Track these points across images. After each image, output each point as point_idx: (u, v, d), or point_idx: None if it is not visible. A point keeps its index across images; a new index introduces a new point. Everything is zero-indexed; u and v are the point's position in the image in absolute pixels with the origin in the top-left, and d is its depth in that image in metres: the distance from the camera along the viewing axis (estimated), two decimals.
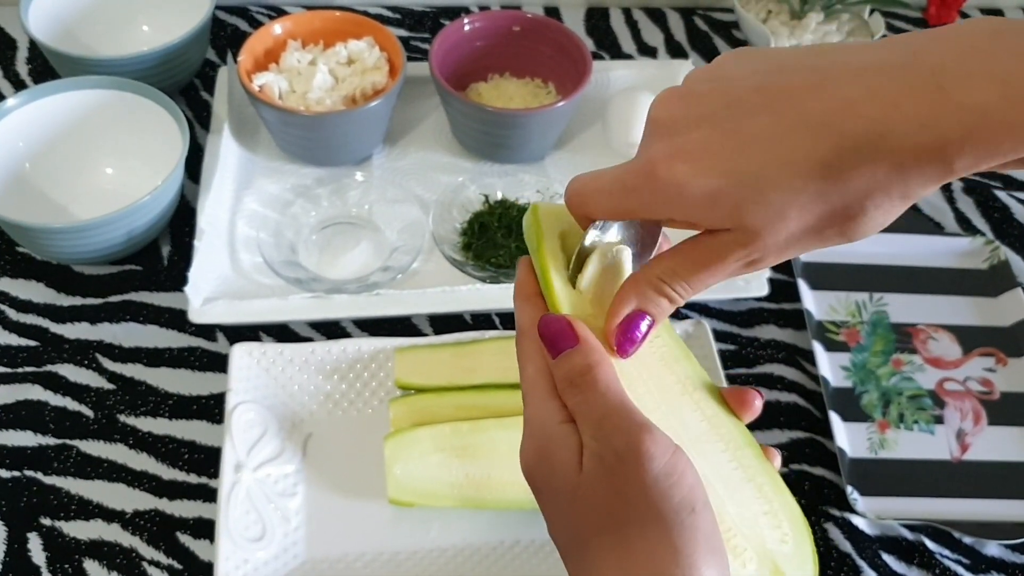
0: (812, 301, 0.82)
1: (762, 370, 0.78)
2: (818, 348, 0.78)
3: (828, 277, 0.84)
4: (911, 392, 0.78)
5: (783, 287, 0.82)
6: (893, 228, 0.86)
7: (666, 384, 0.41)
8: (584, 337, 0.38)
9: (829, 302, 0.83)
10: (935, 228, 0.89)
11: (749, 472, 0.40)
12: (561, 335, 0.39)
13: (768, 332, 0.80)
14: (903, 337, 0.81)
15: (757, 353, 0.79)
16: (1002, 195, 0.93)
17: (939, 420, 0.76)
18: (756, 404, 0.43)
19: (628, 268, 0.41)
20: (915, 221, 0.88)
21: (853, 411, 0.76)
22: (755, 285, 0.78)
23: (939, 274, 0.86)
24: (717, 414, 0.41)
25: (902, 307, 0.83)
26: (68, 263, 0.79)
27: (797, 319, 0.81)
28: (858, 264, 0.85)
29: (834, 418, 0.73)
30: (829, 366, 0.78)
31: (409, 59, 0.86)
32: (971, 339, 0.82)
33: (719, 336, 0.79)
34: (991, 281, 0.85)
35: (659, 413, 0.39)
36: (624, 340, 0.39)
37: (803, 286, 0.82)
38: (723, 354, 0.77)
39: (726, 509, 0.39)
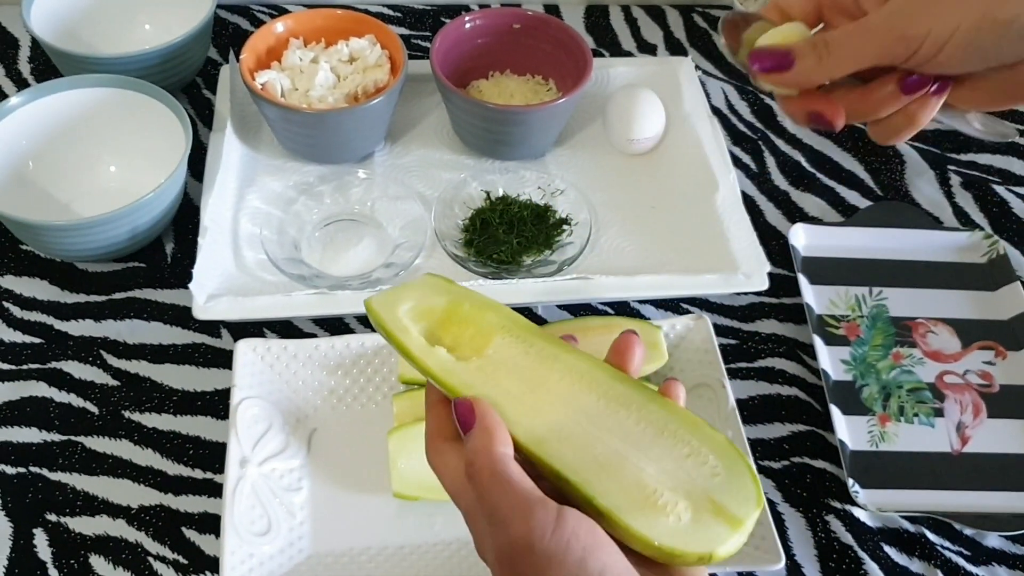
0: (812, 295, 0.82)
1: (763, 364, 0.78)
2: (818, 342, 0.78)
3: (828, 271, 0.85)
4: (911, 385, 0.78)
5: (783, 281, 0.83)
6: (893, 223, 0.87)
7: (551, 383, 0.43)
8: (479, 416, 0.41)
9: (829, 296, 0.83)
10: (934, 223, 0.90)
11: (659, 424, 0.41)
12: (463, 418, 0.42)
13: (769, 326, 0.81)
14: (903, 331, 0.82)
15: (758, 347, 0.79)
16: (1000, 190, 0.93)
17: (939, 413, 0.77)
18: (633, 344, 0.45)
19: None
20: (914, 216, 0.89)
21: (854, 404, 0.76)
22: (756, 279, 0.78)
23: (938, 268, 0.86)
24: (611, 386, 0.43)
25: (902, 301, 0.84)
26: (72, 260, 0.79)
27: (797, 313, 0.81)
28: (857, 259, 0.86)
29: (835, 411, 0.74)
30: (829, 360, 0.78)
31: (410, 57, 0.86)
32: (970, 333, 0.82)
33: (720, 331, 0.79)
34: (990, 275, 0.86)
35: (554, 414, 0.42)
36: None
37: (803, 281, 0.82)
38: (724, 348, 0.78)
39: (645, 472, 0.40)
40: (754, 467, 0.40)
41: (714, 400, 0.71)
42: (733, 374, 0.77)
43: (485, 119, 0.84)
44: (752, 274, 0.79)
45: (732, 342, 0.80)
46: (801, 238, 0.86)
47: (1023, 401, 0.78)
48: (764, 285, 0.79)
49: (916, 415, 0.76)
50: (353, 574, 0.63)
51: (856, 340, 0.80)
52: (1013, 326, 0.82)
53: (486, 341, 0.45)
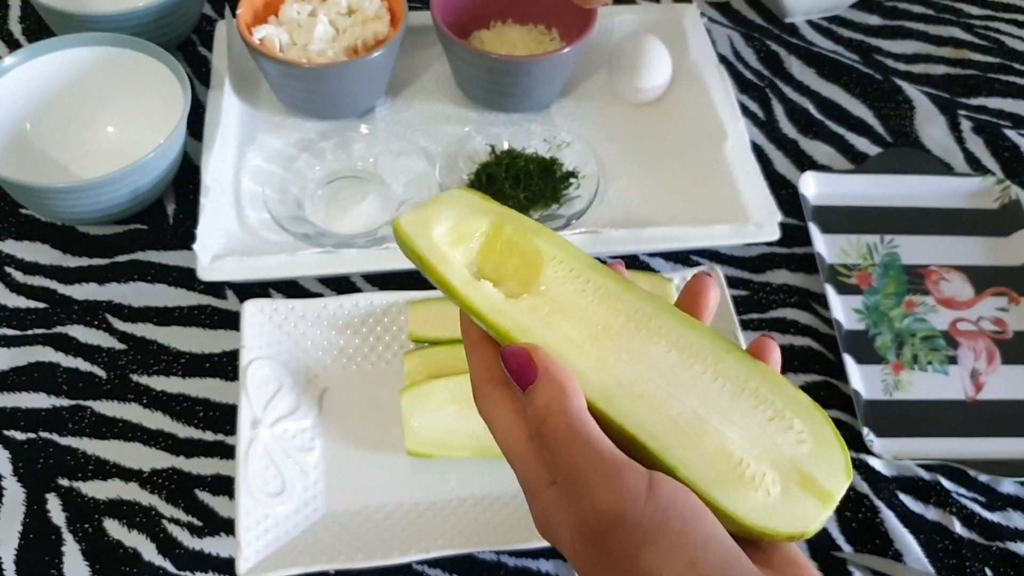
0: (823, 244, 0.81)
1: (775, 315, 0.78)
2: (830, 291, 0.77)
3: (839, 220, 0.83)
4: (924, 333, 0.78)
5: (794, 231, 0.82)
6: (903, 169, 0.86)
7: (615, 329, 0.38)
8: (543, 367, 0.36)
9: (840, 245, 0.82)
10: (945, 168, 0.88)
11: (739, 382, 0.37)
12: (520, 371, 0.36)
13: (780, 277, 0.80)
14: (915, 278, 0.81)
15: (769, 298, 0.79)
16: (1011, 134, 0.92)
17: (953, 360, 0.76)
18: (708, 287, 0.40)
19: None
20: (925, 162, 0.88)
21: (867, 353, 0.76)
22: (767, 229, 0.78)
23: (950, 215, 0.85)
24: (682, 334, 0.38)
25: (914, 248, 0.83)
26: (73, 223, 0.78)
27: (809, 263, 0.80)
28: (869, 207, 0.85)
29: (848, 361, 0.73)
30: (842, 309, 0.78)
31: (410, 8, 0.84)
32: (983, 279, 0.81)
33: (731, 282, 0.79)
34: (1002, 221, 0.85)
35: (622, 365, 0.37)
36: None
37: (814, 230, 0.81)
38: (736, 299, 0.77)
39: (728, 438, 0.36)
40: (839, 434, 0.36)
41: None
42: (745, 325, 0.76)
43: (488, 70, 0.82)
44: (763, 224, 0.78)
45: (743, 293, 0.79)
46: (811, 187, 0.84)
47: None
48: (775, 235, 0.78)
49: (930, 363, 0.76)
50: (368, 532, 0.63)
51: (868, 289, 0.80)
52: None
53: (535, 273, 0.40)
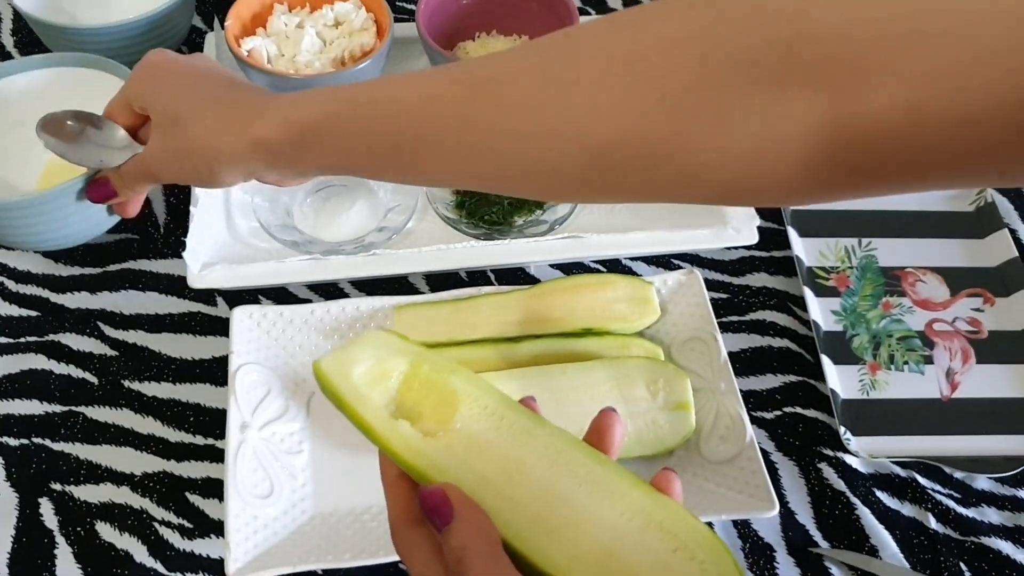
0: (802, 248, 0.83)
1: (754, 317, 0.79)
2: (809, 294, 0.79)
3: (817, 224, 0.85)
4: (901, 334, 0.79)
5: (772, 235, 0.84)
6: None
7: (528, 465, 0.39)
8: (458, 507, 0.37)
9: (819, 248, 0.84)
10: None
11: (644, 515, 0.38)
12: (436, 511, 0.37)
13: (759, 280, 0.82)
14: (892, 280, 0.83)
15: (749, 301, 0.80)
16: None
17: (929, 360, 0.78)
18: (613, 424, 0.42)
19: None
20: None
21: (844, 354, 0.77)
22: (745, 233, 0.79)
23: (926, 217, 0.87)
24: (591, 469, 0.39)
25: (890, 251, 0.84)
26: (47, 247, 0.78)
27: (787, 266, 0.82)
28: (846, 210, 0.86)
29: (826, 361, 0.75)
30: (820, 311, 0.79)
31: (396, 20, 0.86)
32: (959, 280, 0.83)
33: (711, 285, 0.80)
34: (978, 222, 0.87)
35: (534, 502, 0.38)
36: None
37: (792, 233, 0.83)
38: (715, 302, 0.78)
39: (636, 572, 0.37)
40: (740, 564, 0.39)
41: (706, 353, 0.72)
42: (725, 327, 0.78)
43: None
44: (741, 228, 0.80)
45: (723, 296, 0.80)
46: None
47: (1011, 347, 0.79)
48: (754, 239, 0.79)
49: (906, 363, 0.78)
50: (355, 533, 0.64)
51: (846, 291, 0.81)
52: (1001, 272, 0.83)
53: (451, 411, 0.41)
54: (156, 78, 0.59)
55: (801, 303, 0.79)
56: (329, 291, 0.78)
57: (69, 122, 0.63)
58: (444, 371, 0.42)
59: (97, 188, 0.66)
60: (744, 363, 0.76)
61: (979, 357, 0.79)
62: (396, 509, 0.41)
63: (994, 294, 0.82)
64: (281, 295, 0.77)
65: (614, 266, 0.81)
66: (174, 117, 0.56)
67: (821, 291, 0.81)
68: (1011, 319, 0.81)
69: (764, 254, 0.83)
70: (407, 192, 0.81)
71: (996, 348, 0.79)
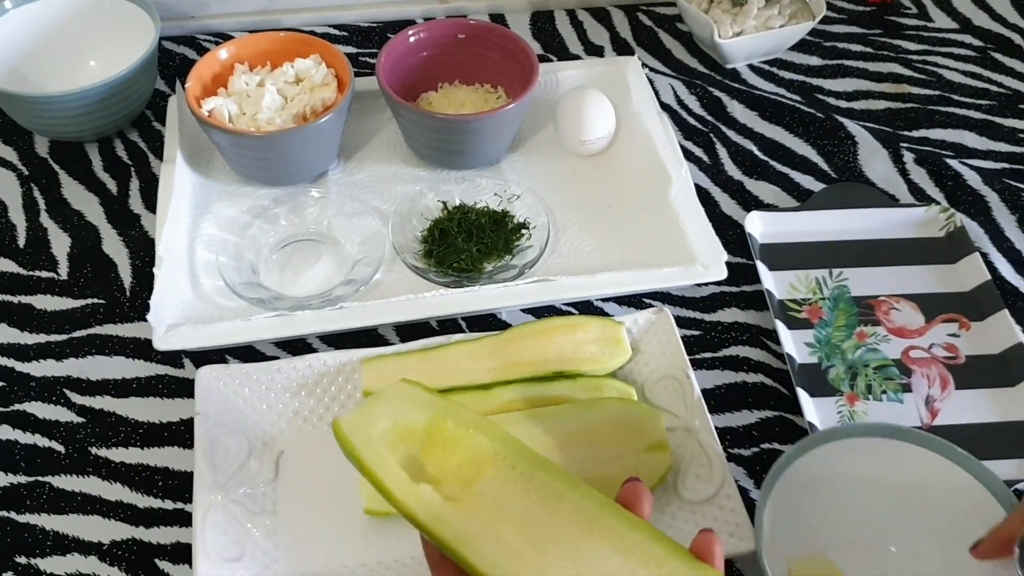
0: (772, 281, 0.83)
1: (727, 352, 0.79)
2: (781, 327, 0.78)
3: (786, 257, 0.85)
4: (877, 363, 0.79)
5: (742, 269, 0.83)
6: (848, 204, 0.88)
7: (557, 532, 0.38)
8: None
9: (789, 281, 0.84)
10: (890, 200, 0.90)
11: None
12: None
13: (731, 315, 0.81)
14: (865, 309, 0.82)
15: (721, 336, 0.80)
16: (954, 163, 0.94)
17: (907, 388, 0.77)
18: (639, 493, 0.41)
19: None
20: (869, 195, 0.89)
21: (821, 386, 0.76)
22: (714, 269, 0.79)
23: (897, 245, 0.87)
24: (624, 536, 0.37)
25: (862, 280, 0.84)
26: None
27: (759, 300, 0.82)
28: (815, 242, 0.86)
29: (802, 395, 0.74)
30: (793, 344, 0.79)
31: (358, 75, 0.86)
32: (933, 306, 0.83)
33: (683, 322, 0.80)
34: (949, 248, 0.86)
35: (564, 573, 0.37)
36: None
37: (762, 268, 0.83)
38: (688, 340, 0.78)
39: None
40: None
41: (679, 391, 0.71)
42: (698, 364, 0.77)
43: (436, 130, 0.84)
44: (710, 264, 0.79)
45: (695, 333, 0.80)
46: (757, 225, 0.86)
47: (989, 371, 0.78)
48: (723, 275, 0.79)
49: (884, 392, 0.77)
50: None
51: (819, 322, 0.81)
52: (975, 297, 0.83)
53: (476, 471, 0.39)
54: None
55: (774, 337, 0.79)
56: (298, 347, 0.77)
57: None
58: (469, 426, 0.40)
59: None
60: (719, 400, 0.75)
61: (958, 383, 0.78)
62: None
63: (969, 319, 0.82)
64: (248, 353, 0.77)
65: (585, 308, 0.81)
66: None
67: (794, 324, 0.80)
68: (987, 343, 0.80)
69: (735, 289, 0.83)
70: (374, 243, 0.80)
71: (974, 373, 0.78)
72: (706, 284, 0.81)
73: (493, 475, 0.39)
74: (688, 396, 0.70)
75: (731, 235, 0.86)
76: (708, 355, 0.78)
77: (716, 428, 0.68)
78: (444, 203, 0.84)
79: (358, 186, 0.88)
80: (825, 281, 0.84)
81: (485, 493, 0.38)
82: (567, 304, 0.81)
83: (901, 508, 0.65)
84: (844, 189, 0.91)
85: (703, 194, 0.88)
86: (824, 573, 0.63)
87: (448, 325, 0.79)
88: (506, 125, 0.86)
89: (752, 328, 0.80)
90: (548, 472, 0.39)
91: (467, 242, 0.80)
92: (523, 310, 0.80)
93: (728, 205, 0.90)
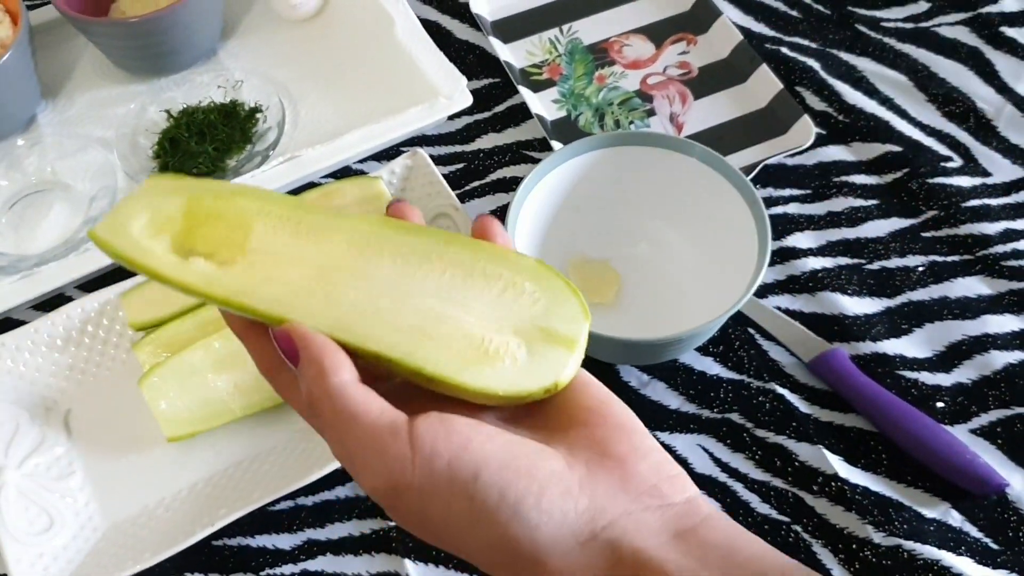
0: (509, 53, 0.85)
1: (495, 176, 0.78)
2: (527, 92, 0.80)
3: (518, 26, 0.87)
4: (620, 98, 0.82)
5: (488, 91, 0.82)
6: None
7: (338, 259, 0.38)
8: (301, 346, 0.36)
9: (526, 48, 0.86)
10: None
11: (465, 267, 0.38)
12: (288, 354, 0.36)
13: (490, 140, 0.80)
14: (599, 54, 0.85)
15: (485, 163, 0.79)
16: None
17: (651, 113, 0.81)
18: (400, 204, 0.41)
19: None
20: None
21: (575, 134, 0.79)
22: (457, 98, 0.77)
23: None
24: (402, 242, 0.38)
25: (592, 28, 0.87)
26: None
27: (512, 117, 0.81)
28: (543, 4, 0.88)
29: (557, 147, 0.75)
30: (542, 104, 0.81)
31: (31, 7, 0.79)
32: (660, 33, 0.86)
33: (445, 160, 0.78)
34: None
35: (353, 292, 0.37)
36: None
37: (496, 43, 0.84)
38: (455, 174, 0.77)
39: (467, 322, 0.37)
40: (571, 280, 0.38)
41: (454, 226, 0.71)
42: (471, 195, 0.76)
43: (134, 37, 0.78)
44: (452, 94, 0.78)
45: (460, 166, 0.79)
46: (484, 6, 0.87)
47: (721, 75, 0.83)
48: (468, 101, 0.78)
49: (632, 123, 0.80)
50: (152, 531, 0.61)
51: (560, 78, 0.83)
52: (695, 13, 0.86)
53: (245, 234, 0.38)
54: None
55: (534, 146, 0.78)
56: (56, 303, 0.72)
57: None
58: (231, 195, 0.39)
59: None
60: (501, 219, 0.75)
61: (696, 94, 0.82)
62: (257, 359, 0.39)
63: (695, 33, 0.85)
64: (8, 324, 0.71)
65: (346, 173, 0.78)
66: None
67: (538, 86, 0.82)
68: (715, 51, 0.84)
69: (487, 114, 0.81)
70: (104, 174, 0.76)
71: (708, 81, 0.82)
72: (459, 116, 0.80)
73: (263, 231, 0.38)
74: (464, 229, 0.70)
75: (471, 59, 0.84)
76: (477, 183, 0.78)
77: None
78: (168, 111, 0.79)
79: (74, 122, 0.81)
80: (558, 39, 0.86)
81: (258, 248, 0.38)
82: (326, 178, 0.78)
83: (652, 208, 0.69)
84: None
85: (432, 27, 0.86)
86: (599, 270, 0.69)
87: None
88: (208, 11, 0.81)
89: (512, 145, 0.79)
90: (315, 212, 0.39)
91: (201, 143, 0.76)
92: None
93: (461, 30, 0.87)
